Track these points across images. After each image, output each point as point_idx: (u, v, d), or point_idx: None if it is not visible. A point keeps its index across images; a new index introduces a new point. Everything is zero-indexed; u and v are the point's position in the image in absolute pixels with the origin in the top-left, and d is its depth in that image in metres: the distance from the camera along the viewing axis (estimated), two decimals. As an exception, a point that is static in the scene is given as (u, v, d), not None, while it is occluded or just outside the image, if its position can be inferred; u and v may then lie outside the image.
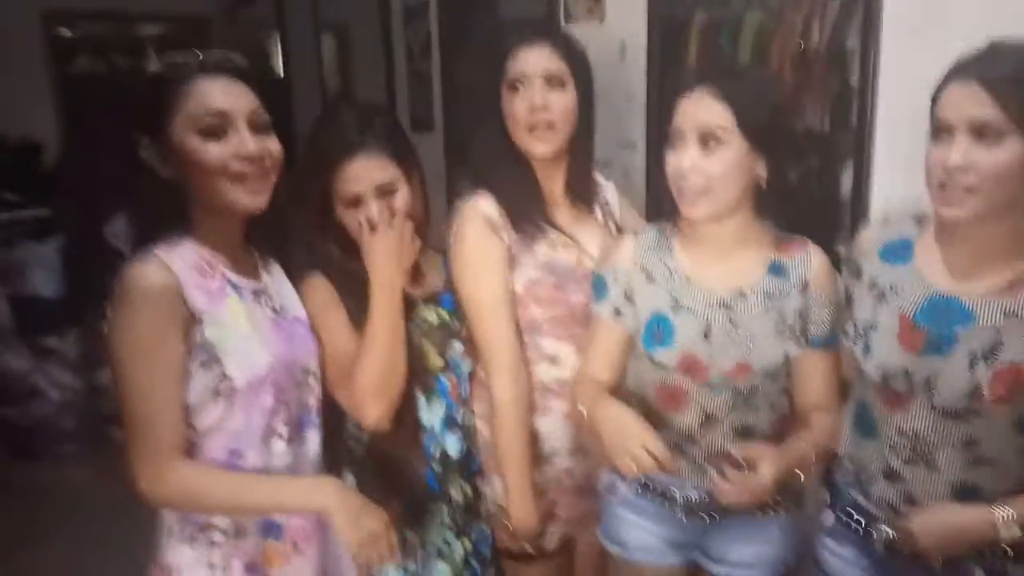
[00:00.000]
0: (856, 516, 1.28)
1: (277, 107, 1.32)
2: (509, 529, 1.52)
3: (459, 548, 1.51)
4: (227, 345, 1.18)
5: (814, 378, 1.34)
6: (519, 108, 1.46)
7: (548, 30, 1.53)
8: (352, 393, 1.35)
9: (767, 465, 1.19)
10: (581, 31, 2.39)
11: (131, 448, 1.16)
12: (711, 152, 1.25)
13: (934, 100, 1.13)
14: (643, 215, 1.92)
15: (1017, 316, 1.11)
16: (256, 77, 1.26)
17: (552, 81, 1.46)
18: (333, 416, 1.40)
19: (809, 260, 1.33)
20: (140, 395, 1.14)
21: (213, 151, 1.16)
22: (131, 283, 1.13)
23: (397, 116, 3.27)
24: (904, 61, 1.62)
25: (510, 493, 1.49)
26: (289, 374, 1.28)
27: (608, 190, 1.69)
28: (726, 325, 1.30)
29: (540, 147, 1.48)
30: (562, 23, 2.44)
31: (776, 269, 1.32)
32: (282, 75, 4.81)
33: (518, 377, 1.47)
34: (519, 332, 1.50)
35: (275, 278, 1.37)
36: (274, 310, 1.31)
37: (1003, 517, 1.12)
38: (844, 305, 1.30)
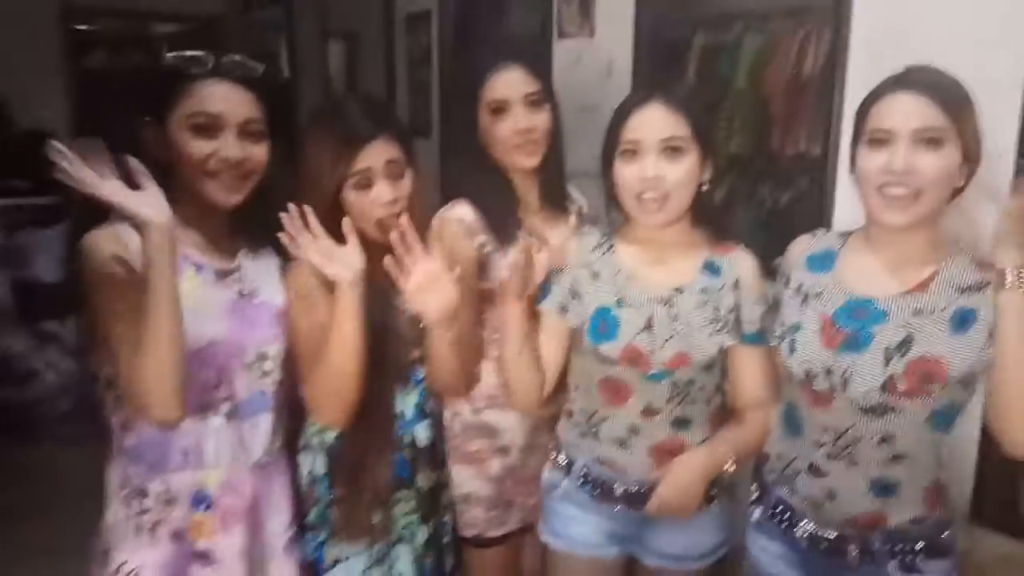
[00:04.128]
0: (782, 511, 1.36)
1: (283, 108, 1.41)
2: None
3: (421, 534, 1.56)
4: None
5: (748, 374, 1.42)
6: (504, 130, 1.57)
7: (518, 54, 1.64)
8: (309, 391, 1.41)
9: (663, 484, 1.37)
10: (572, 47, 2.50)
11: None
12: (673, 161, 1.33)
13: (865, 112, 1.22)
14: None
15: (925, 314, 1.21)
16: (264, 80, 1.36)
17: (532, 102, 1.57)
18: (299, 403, 1.46)
19: (740, 261, 1.42)
20: (114, 343, 1.22)
21: (196, 148, 1.28)
22: (84, 250, 1.24)
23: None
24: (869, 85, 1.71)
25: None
26: (238, 355, 1.34)
27: (582, 203, 1.79)
28: (666, 318, 1.38)
29: (528, 161, 1.60)
30: (555, 38, 2.54)
31: (710, 267, 1.42)
32: (289, 77, 4.91)
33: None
34: (483, 329, 1.59)
35: (257, 264, 1.43)
36: (240, 293, 1.37)
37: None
38: (774, 309, 1.39)
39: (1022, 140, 1.46)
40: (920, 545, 1.26)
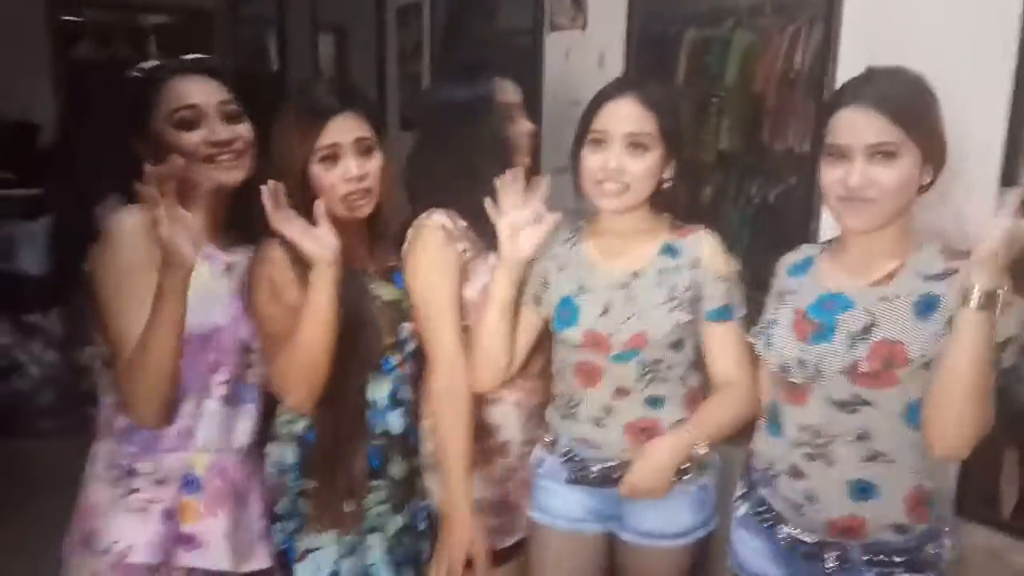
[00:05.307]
0: (765, 510, 1.36)
1: (273, 100, 1.47)
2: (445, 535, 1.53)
3: (393, 523, 1.55)
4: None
5: (717, 351, 1.46)
6: (516, 132, 1.63)
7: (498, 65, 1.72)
8: (276, 373, 1.38)
9: (634, 468, 1.41)
10: (564, 39, 2.49)
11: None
12: (636, 155, 1.38)
13: (823, 123, 1.23)
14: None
15: (889, 300, 1.22)
16: (248, 72, 1.40)
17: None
18: (270, 395, 1.46)
19: (700, 241, 1.46)
20: (121, 322, 1.25)
21: (188, 139, 1.33)
22: (110, 225, 1.29)
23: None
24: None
25: (446, 486, 1.52)
26: (237, 343, 1.38)
27: None
28: (623, 301, 1.43)
29: (525, 160, 1.64)
30: (546, 31, 2.54)
31: (669, 249, 1.46)
32: (279, 70, 4.88)
33: (453, 370, 1.51)
34: (465, 334, 1.56)
35: (249, 257, 1.44)
36: (239, 283, 1.41)
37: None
38: (741, 286, 1.45)
39: (1010, 133, 1.46)
40: (901, 559, 1.24)
